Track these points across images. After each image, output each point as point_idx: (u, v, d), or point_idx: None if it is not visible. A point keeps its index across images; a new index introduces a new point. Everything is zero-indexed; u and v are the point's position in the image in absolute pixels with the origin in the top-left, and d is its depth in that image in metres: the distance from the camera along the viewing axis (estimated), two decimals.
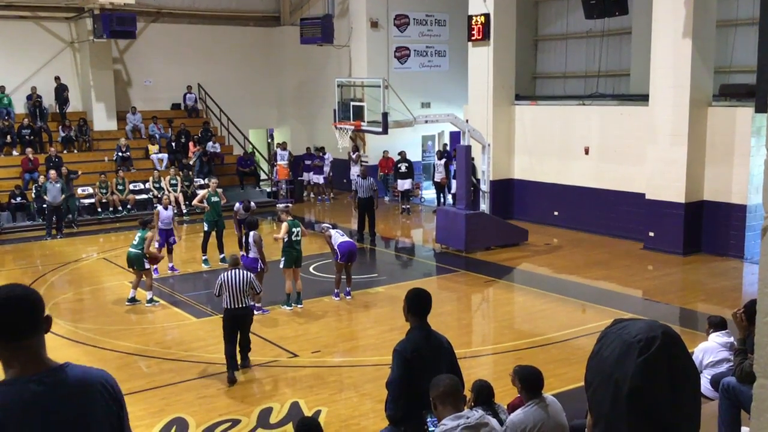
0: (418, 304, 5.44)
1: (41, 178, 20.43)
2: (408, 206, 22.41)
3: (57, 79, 23.12)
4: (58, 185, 19.23)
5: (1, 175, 21.35)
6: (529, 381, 5.74)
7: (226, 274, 10.12)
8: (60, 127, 23.03)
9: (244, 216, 16.19)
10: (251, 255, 12.65)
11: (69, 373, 2.55)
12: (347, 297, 13.39)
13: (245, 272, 10.31)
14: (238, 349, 10.08)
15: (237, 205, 16.52)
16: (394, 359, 5.38)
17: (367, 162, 24.57)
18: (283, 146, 25.53)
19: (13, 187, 20.57)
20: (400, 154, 22.89)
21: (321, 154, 24.92)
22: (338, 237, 13.13)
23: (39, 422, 2.45)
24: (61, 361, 2.61)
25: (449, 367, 5.32)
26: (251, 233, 12.73)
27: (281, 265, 12.77)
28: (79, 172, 21.33)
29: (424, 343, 5.37)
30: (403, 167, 22.64)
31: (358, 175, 18.79)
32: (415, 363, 5.27)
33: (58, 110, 23.39)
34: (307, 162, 25.12)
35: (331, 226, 13.79)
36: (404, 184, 22.54)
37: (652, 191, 16.61)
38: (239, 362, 10.09)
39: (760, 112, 11.94)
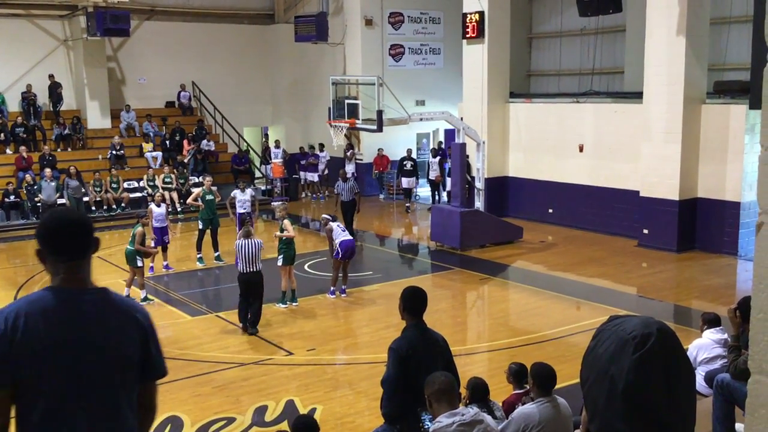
0: (414, 302, 5.44)
1: (28, 177, 20.36)
2: (408, 204, 22.28)
3: (51, 77, 23.05)
4: (53, 184, 19.18)
5: None
6: (543, 378, 5.64)
7: (239, 242, 11.52)
8: (54, 125, 22.96)
9: (243, 204, 16.10)
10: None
11: (111, 293, 2.86)
12: (342, 295, 13.37)
13: (256, 241, 11.54)
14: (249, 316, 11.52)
15: (233, 192, 16.48)
16: (389, 357, 5.39)
17: (361, 160, 24.57)
18: (276, 144, 25.51)
19: (6, 185, 20.49)
20: (407, 151, 22.76)
21: (316, 152, 24.90)
22: (339, 233, 13.03)
23: (82, 327, 2.69)
24: None
25: (445, 365, 5.32)
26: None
27: (279, 263, 12.69)
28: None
29: (420, 341, 5.37)
30: (408, 165, 22.43)
31: (339, 179, 17.84)
32: (411, 361, 5.27)
33: (51, 108, 23.31)
34: (302, 161, 25.13)
35: (331, 218, 13.49)
36: (409, 183, 22.36)
37: (646, 188, 16.65)
38: (248, 329, 11.46)
39: (755, 108, 11.97)
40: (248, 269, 11.39)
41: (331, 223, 13.22)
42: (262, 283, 11.56)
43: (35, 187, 19.70)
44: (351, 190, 17.31)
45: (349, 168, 24.52)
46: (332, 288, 13.36)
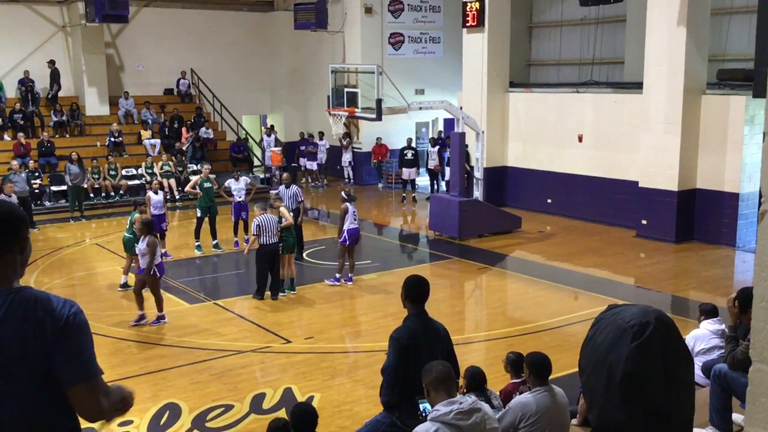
0: (416, 291, 5.45)
1: (31, 163, 20.32)
2: (414, 195, 22.16)
3: (51, 63, 22.96)
4: (23, 175, 18.83)
5: None
6: (539, 367, 5.67)
7: (261, 217, 12.15)
8: (52, 111, 22.89)
9: (239, 193, 15.94)
10: (143, 263, 11.17)
11: (27, 293, 2.59)
12: (349, 283, 13.35)
13: (275, 217, 12.34)
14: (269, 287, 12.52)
15: (227, 182, 16.36)
16: (390, 346, 5.39)
17: (360, 148, 24.53)
18: (268, 132, 25.44)
19: (8, 171, 20.37)
20: (407, 140, 22.61)
21: (315, 140, 24.85)
22: (351, 219, 12.98)
23: None
24: None
25: (445, 355, 5.33)
26: (147, 237, 11.17)
27: (280, 252, 12.68)
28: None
29: (421, 331, 5.38)
30: (409, 154, 22.25)
31: (282, 184, 15.77)
32: (412, 350, 5.28)
33: (49, 94, 23.22)
34: (302, 148, 25.09)
35: (346, 196, 13.28)
36: (410, 173, 22.20)
37: (645, 179, 16.64)
38: (272, 295, 12.53)
39: (759, 96, 11.92)
40: (269, 241, 12.17)
41: (347, 203, 13.07)
42: (279, 253, 12.51)
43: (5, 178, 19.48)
44: (294, 198, 14.83)
45: (346, 157, 24.52)
46: (338, 275, 13.30)
